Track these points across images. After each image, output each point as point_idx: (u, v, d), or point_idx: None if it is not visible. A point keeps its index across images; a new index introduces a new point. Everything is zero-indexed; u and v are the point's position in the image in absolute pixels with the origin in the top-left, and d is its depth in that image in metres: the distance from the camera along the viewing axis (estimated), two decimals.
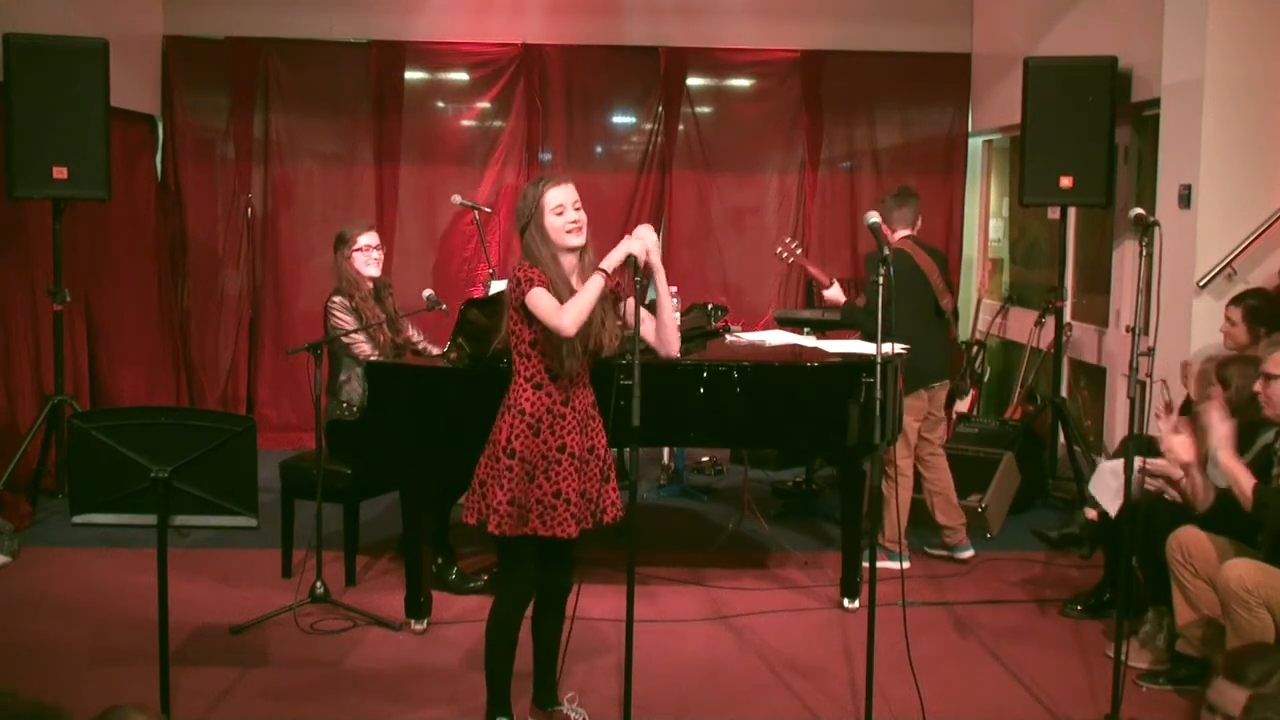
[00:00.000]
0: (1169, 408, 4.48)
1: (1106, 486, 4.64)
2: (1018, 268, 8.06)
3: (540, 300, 3.46)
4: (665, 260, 8.30)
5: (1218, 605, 3.85)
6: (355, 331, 4.94)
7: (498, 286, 5.21)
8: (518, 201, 3.64)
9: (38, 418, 6.12)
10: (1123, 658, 3.81)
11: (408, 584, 4.63)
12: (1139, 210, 3.93)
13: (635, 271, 3.49)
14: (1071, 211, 6.76)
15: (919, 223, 5.54)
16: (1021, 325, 7.36)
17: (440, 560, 5.01)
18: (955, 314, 5.75)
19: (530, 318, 3.50)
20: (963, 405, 7.08)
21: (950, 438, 6.25)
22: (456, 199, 6.27)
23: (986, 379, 7.56)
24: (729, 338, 5.38)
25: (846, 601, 4.93)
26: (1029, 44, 6.93)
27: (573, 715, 3.84)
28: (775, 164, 8.10)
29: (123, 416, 3.52)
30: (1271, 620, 3.68)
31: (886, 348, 3.59)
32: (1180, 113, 5.49)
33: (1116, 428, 6.46)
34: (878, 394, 3.64)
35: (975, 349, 7.43)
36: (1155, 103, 5.80)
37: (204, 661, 4.26)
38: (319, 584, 4.73)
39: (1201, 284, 5.29)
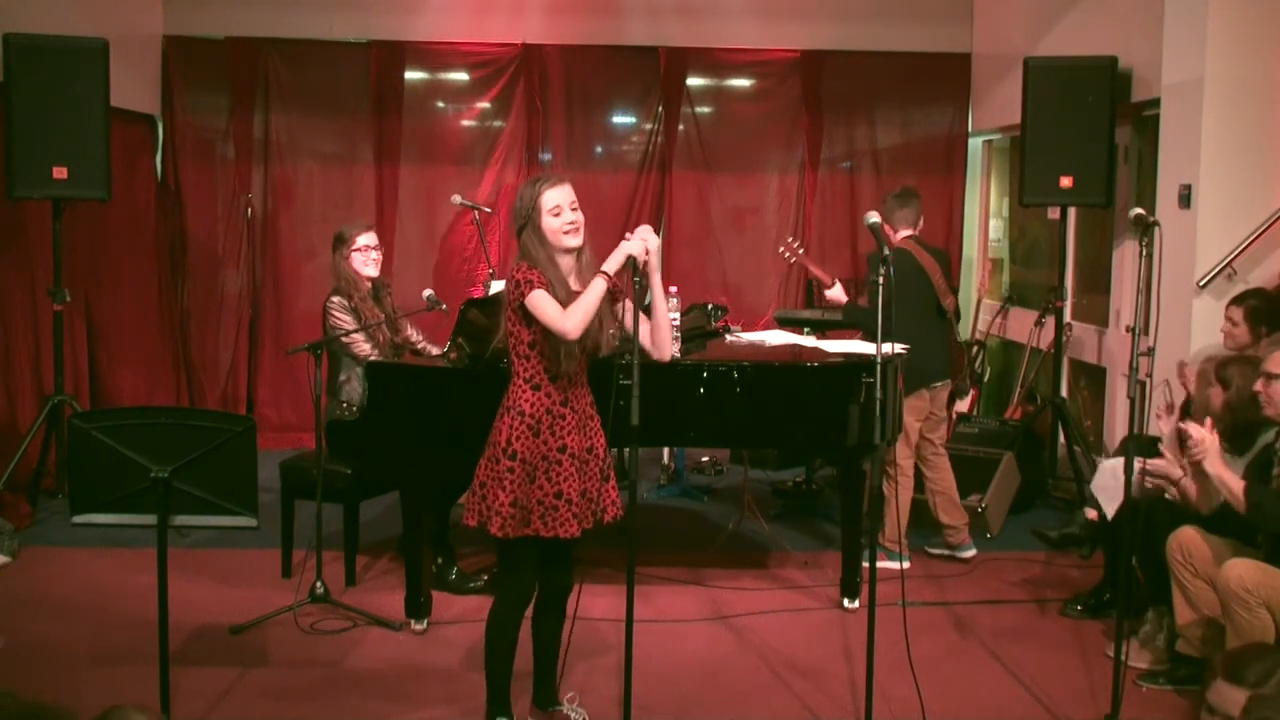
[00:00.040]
0: (1170, 408, 4.49)
1: (1107, 487, 4.64)
2: (1018, 268, 8.06)
3: (543, 303, 3.46)
4: (665, 260, 8.37)
5: (1218, 605, 3.85)
6: (355, 331, 4.94)
7: (498, 286, 5.20)
8: (514, 202, 3.63)
9: (38, 418, 6.12)
10: (1123, 658, 3.82)
11: (408, 584, 4.63)
12: (1139, 210, 3.93)
13: (635, 273, 3.49)
14: (1071, 211, 6.76)
15: (921, 223, 5.54)
16: (1021, 325, 7.36)
17: (440, 560, 5.01)
18: (957, 314, 5.75)
19: (529, 319, 3.50)
20: (963, 405, 7.08)
21: (950, 438, 6.25)
22: (456, 199, 6.27)
23: (986, 379, 7.56)
24: (729, 338, 5.37)
25: (846, 601, 4.93)
26: (1029, 44, 6.93)
27: (573, 715, 3.84)
28: (775, 164, 8.10)
29: (123, 416, 3.52)
30: (1271, 620, 3.68)
31: (887, 348, 3.59)
32: (1180, 113, 5.49)
33: (1116, 428, 6.46)
34: (878, 394, 3.64)
35: (975, 349, 7.44)
36: (1155, 103, 5.80)
37: (204, 661, 4.26)
38: (319, 584, 4.73)
39: (1201, 284, 5.29)
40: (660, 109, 8.00)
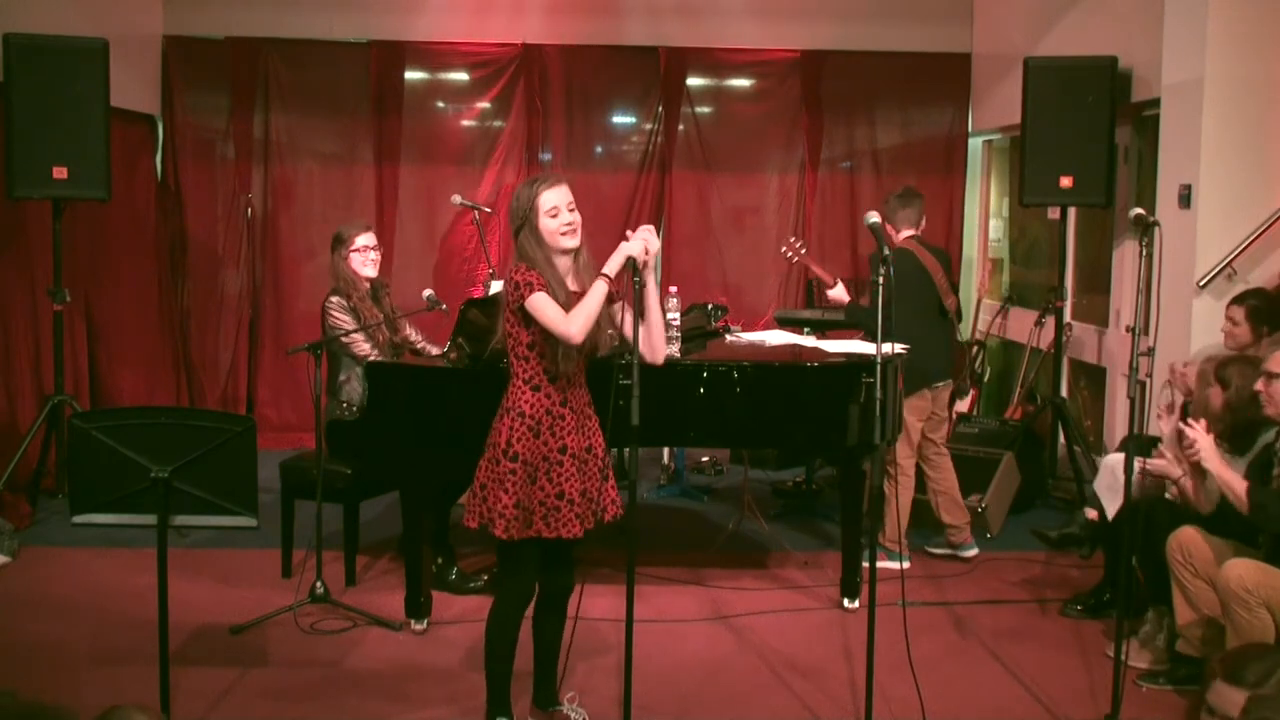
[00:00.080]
0: (1170, 408, 4.48)
1: (1108, 488, 4.64)
2: (1018, 268, 8.06)
3: (544, 306, 3.45)
4: (665, 260, 8.36)
5: (1218, 605, 3.85)
6: (354, 331, 4.94)
7: (498, 286, 5.20)
8: (511, 202, 3.62)
9: (38, 418, 6.12)
10: (1123, 658, 3.82)
11: (408, 584, 4.63)
12: (1139, 210, 3.93)
13: (635, 273, 3.49)
14: (1071, 211, 6.76)
15: (923, 223, 5.55)
16: (1021, 325, 7.36)
17: (440, 560, 5.01)
18: (958, 314, 5.75)
19: (528, 320, 3.50)
20: (963, 405, 7.08)
21: (950, 437, 6.25)
22: (456, 199, 6.27)
23: (986, 379, 7.56)
24: (729, 338, 5.37)
25: (846, 601, 4.93)
26: (1029, 44, 6.93)
27: (573, 715, 3.84)
28: (775, 164, 8.10)
29: (123, 416, 3.52)
30: (1271, 620, 3.68)
31: (887, 348, 3.59)
32: (1180, 113, 5.49)
33: (1116, 428, 6.46)
34: (878, 394, 3.64)
35: (975, 349, 7.44)
36: (1155, 103, 5.80)
37: (204, 661, 4.26)
38: (319, 584, 4.73)
39: (1201, 284, 5.29)
40: (660, 109, 7.99)
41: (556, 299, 3.48)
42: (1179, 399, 4.66)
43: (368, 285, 5.14)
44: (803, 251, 5.62)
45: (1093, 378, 6.98)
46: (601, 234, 7.12)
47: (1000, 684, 4.23)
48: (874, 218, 3.81)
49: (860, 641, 3.77)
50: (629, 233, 3.55)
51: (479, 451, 3.63)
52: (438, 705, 3.99)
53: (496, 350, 3.88)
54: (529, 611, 3.71)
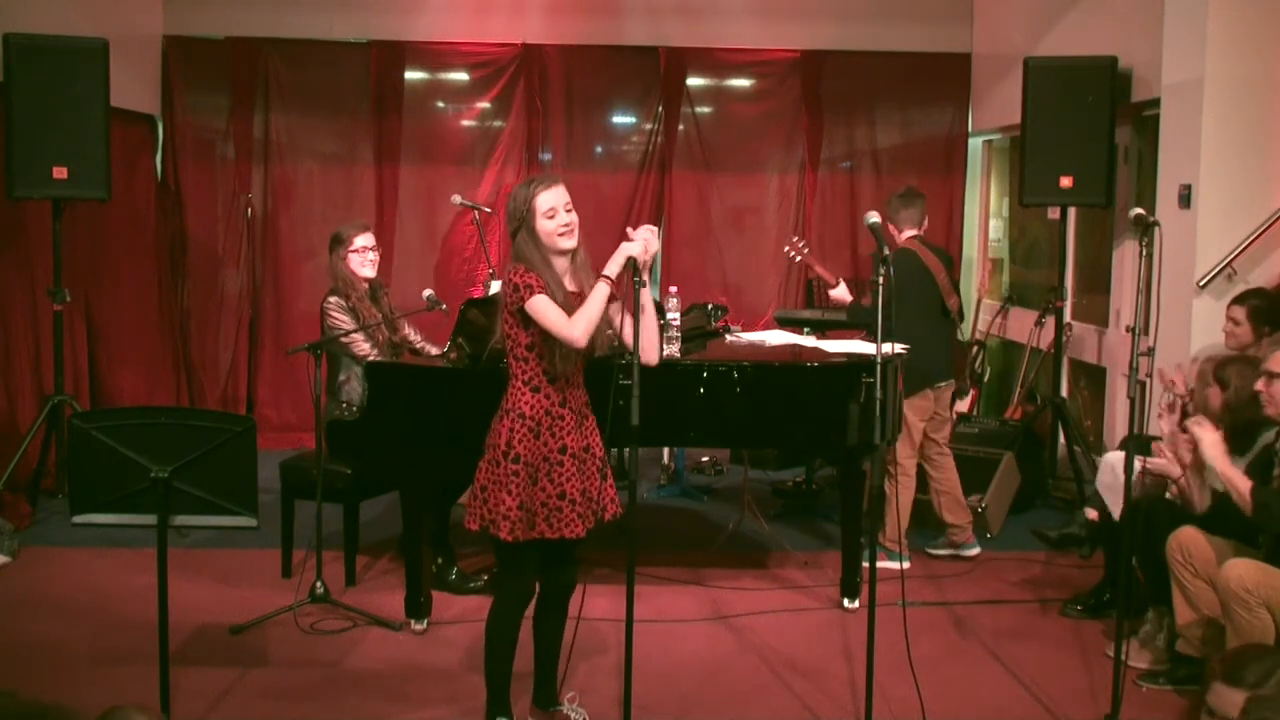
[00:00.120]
0: (1171, 407, 4.48)
1: (1110, 483, 4.63)
2: (1018, 268, 8.06)
3: (545, 309, 3.45)
4: (665, 260, 8.36)
5: (1218, 605, 3.85)
6: (354, 331, 4.94)
7: (498, 286, 5.20)
8: (508, 203, 3.62)
9: (38, 418, 6.12)
10: (1123, 658, 3.82)
11: (408, 584, 4.63)
12: (1139, 210, 3.93)
13: (635, 273, 3.49)
14: (1071, 211, 6.76)
15: (926, 222, 5.55)
16: (1021, 325, 7.36)
17: (440, 560, 5.01)
18: (960, 314, 5.76)
19: (527, 321, 3.50)
20: (963, 405, 7.08)
21: (950, 438, 6.25)
22: (456, 199, 6.27)
23: (986, 379, 7.56)
24: (729, 338, 5.37)
25: (846, 601, 4.93)
26: (1029, 44, 6.93)
27: (573, 715, 3.84)
28: (775, 164, 8.10)
29: (123, 416, 3.52)
30: (1271, 620, 3.68)
31: (886, 348, 3.60)
32: (1180, 113, 5.49)
33: (1116, 428, 6.46)
34: (878, 394, 3.64)
35: (975, 349, 7.44)
36: (1155, 103, 5.80)
37: (204, 661, 4.26)
38: (319, 584, 4.73)
39: (1201, 284, 5.29)
40: (660, 109, 7.99)
41: (555, 299, 3.48)
42: (1178, 400, 4.66)
43: (366, 286, 5.14)
44: (805, 251, 5.62)
45: (1093, 378, 6.98)
46: (601, 234, 7.17)
47: (1000, 684, 4.23)
48: (874, 218, 3.81)
49: (860, 641, 3.77)
50: (630, 230, 3.55)
51: (479, 451, 3.63)
52: (438, 705, 3.99)
53: (496, 350, 3.88)
54: (529, 611, 3.72)
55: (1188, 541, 4.03)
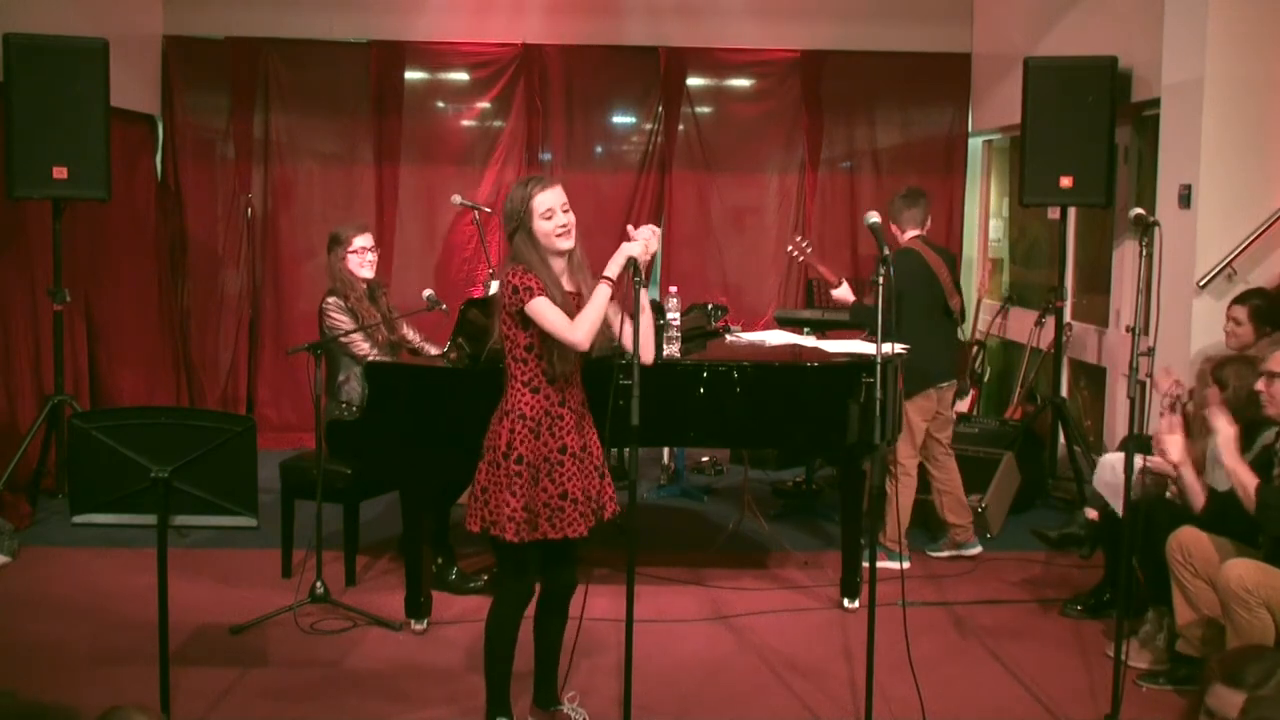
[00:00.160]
0: (1173, 407, 4.47)
1: (1109, 482, 4.63)
2: (1018, 268, 8.06)
3: (546, 311, 3.45)
4: (665, 260, 8.35)
5: (1218, 605, 3.85)
6: (354, 331, 4.94)
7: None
8: (505, 204, 3.62)
9: (38, 418, 6.12)
10: (1123, 658, 3.82)
11: (408, 584, 4.63)
12: (1139, 210, 3.93)
13: (635, 273, 3.49)
14: (1071, 211, 6.76)
15: (929, 222, 5.56)
16: (1021, 325, 7.36)
17: (440, 560, 5.01)
18: (962, 314, 5.76)
19: (525, 322, 3.50)
20: (963, 405, 7.07)
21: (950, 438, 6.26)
22: (456, 199, 6.27)
23: (986, 379, 7.56)
24: (729, 338, 5.37)
25: (846, 601, 4.93)
26: (1029, 44, 6.93)
27: (573, 715, 3.84)
28: (775, 164, 8.10)
29: (123, 416, 3.52)
30: (1271, 620, 3.68)
31: (886, 348, 3.60)
32: (1180, 113, 5.49)
33: (1116, 428, 6.46)
34: (878, 394, 3.64)
35: (975, 349, 7.44)
36: (1155, 103, 5.80)
37: (204, 661, 4.26)
38: (319, 584, 4.73)
39: (1201, 284, 5.29)
40: (660, 109, 7.99)
41: (554, 300, 3.48)
42: (1179, 400, 4.65)
43: (365, 286, 5.14)
44: (809, 251, 5.62)
45: (1093, 378, 6.98)
46: (601, 234, 7.17)
47: (1000, 684, 4.23)
48: (874, 218, 3.81)
49: (860, 641, 3.77)
50: (630, 229, 3.55)
51: (479, 452, 3.63)
52: (438, 705, 3.99)
53: (496, 350, 3.88)
54: (529, 611, 3.71)
55: (1188, 541, 4.03)
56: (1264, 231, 5.24)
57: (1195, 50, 5.33)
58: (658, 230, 3.57)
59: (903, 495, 5.38)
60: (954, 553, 5.58)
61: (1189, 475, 4.11)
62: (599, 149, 8.19)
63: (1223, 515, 4.02)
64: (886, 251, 3.66)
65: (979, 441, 6.28)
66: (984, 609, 4.95)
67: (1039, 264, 7.66)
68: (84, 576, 5.16)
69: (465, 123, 8.10)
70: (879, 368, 3.62)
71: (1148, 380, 4.20)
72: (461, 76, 8.04)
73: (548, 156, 8.05)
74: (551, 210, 3.53)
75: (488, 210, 6.80)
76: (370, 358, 4.85)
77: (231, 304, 7.94)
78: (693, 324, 5.26)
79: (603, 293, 3.48)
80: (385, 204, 7.94)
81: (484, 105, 8.03)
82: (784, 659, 4.40)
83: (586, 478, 3.61)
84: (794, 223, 8.05)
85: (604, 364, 3.69)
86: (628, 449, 3.52)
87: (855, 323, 5.58)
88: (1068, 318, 6.85)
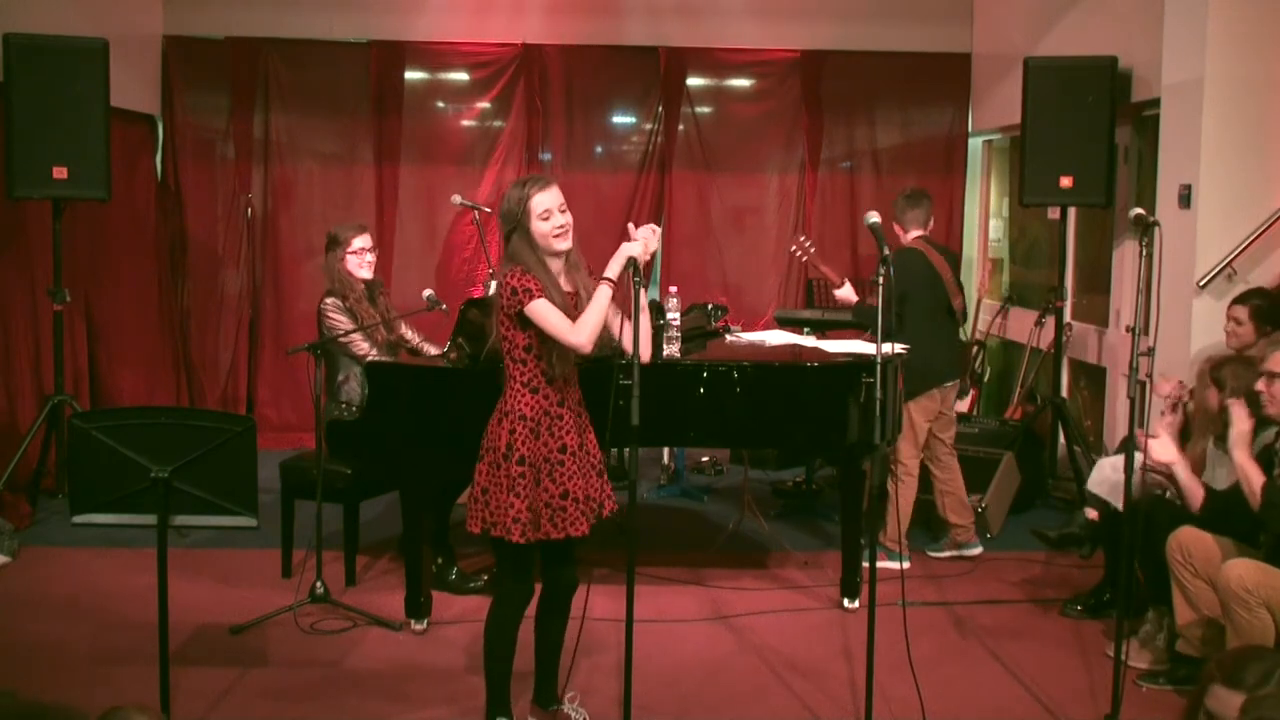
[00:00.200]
0: (1175, 407, 4.48)
1: (1105, 481, 4.63)
2: (1018, 268, 8.06)
3: (547, 313, 3.45)
4: (665, 260, 8.34)
5: (1218, 605, 3.85)
6: (353, 331, 4.94)
7: None
8: (502, 205, 3.61)
9: (38, 418, 6.12)
10: (1123, 658, 3.82)
11: (408, 584, 4.63)
12: (1139, 210, 3.93)
13: (635, 273, 3.49)
14: (1071, 211, 6.76)
15: (931, 223, 5.56)
16: (1021, 325, 7.36)
17: (440, 560, 5.01)
18: (964, 314, 5.76)
19: (524, 323, 3.49)
20: (963, 405, 7.07)
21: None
22: (456, 199, 6.26)
23: (986, 379, 7.56)
24: (729, 338, 5.37)
25: (846, 601, 4.93)
26: (1029, 44, 6.93)
27: (573, 715, 3.84)
28: (775, 164, 8.10)
29: (123, 416, 3.52)
30: (1271, 620, 3.68)
31: (887, 348, 3.60)
32: (1180, 113, 5.49)
33: (1116, 428, 6.46)
34: (878, 394, 3.64)
35: (975, 349, 7.44)
36: (1155, 103, 5.80)
37: (204, 661, 4.26)
38: (319, 584, 4.73)
39: (1201, 284, 5.29)
40: (660, 109, 7.99)
41: (553, 301, 3.48)
42: (1179, 400, 4.65)
43: (363, 286, 5.14)
44: (811, 250, 5.62)
45: (1093, 378, 6.98)
46: (601, 234, 7.17)
47: (1000, 684, 4.23)
48: (874, 218, 3.81)
49: (860, 641, 3.77)
50: (631, 227, 3.55)
51: (479, 452, 3.62)
52: (438, 705, 3.99)
53: (496, 350, 3.88)
54: (530, 611, 3.71)
55: (1188, 541, 4.03)
56: (1264, 231, 5.24)
57: (1195, 50, 5.33)
58: (658, 230, 3.57)
59: (904, 495, 5.38)
60: (955, 553, 5.58)
61: (1183, 474, 4.12)
62: (599, 149, 8.19)
63: (1222, 514, 4.02)
64: (886, 251, 3.66)
65: (979, 441, 6.28)
66: (984, 609, 4.95)
67: (1039, 264, 7.66)
68: (84, 576, 5.16)
69: (465, 123, 8.10)
70: (879, 368, 3.62)
71: (1148, 380, 4.20)
72: (461, 76, 8.04)
73: (548, 156, 8.05)
74: (549, 211, 3.52)
75: (488, 210, 6.79)
76: (370, 358, 4.85)
77: (231, 304, 7.94)
78: (693, 324, 5.26)
79: (604, 294, 3.48)
80: (385, 204, 7.94)
81: (484, 105, 8.03)
82: (784, 659, 4.40)
83: (586, 476, 3.61)
84: (794, 223, 8.05)
85: (603, 364, 3.69)
86: (628, 449, 3.52)
87: (858, 323, 5.58)
88: (1068, 318, 6.85)
